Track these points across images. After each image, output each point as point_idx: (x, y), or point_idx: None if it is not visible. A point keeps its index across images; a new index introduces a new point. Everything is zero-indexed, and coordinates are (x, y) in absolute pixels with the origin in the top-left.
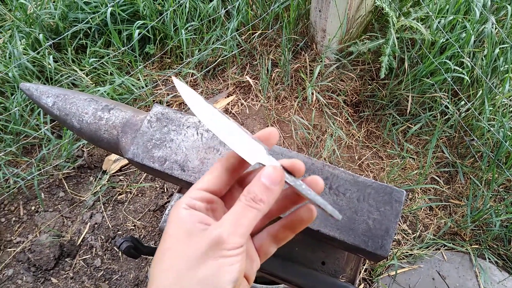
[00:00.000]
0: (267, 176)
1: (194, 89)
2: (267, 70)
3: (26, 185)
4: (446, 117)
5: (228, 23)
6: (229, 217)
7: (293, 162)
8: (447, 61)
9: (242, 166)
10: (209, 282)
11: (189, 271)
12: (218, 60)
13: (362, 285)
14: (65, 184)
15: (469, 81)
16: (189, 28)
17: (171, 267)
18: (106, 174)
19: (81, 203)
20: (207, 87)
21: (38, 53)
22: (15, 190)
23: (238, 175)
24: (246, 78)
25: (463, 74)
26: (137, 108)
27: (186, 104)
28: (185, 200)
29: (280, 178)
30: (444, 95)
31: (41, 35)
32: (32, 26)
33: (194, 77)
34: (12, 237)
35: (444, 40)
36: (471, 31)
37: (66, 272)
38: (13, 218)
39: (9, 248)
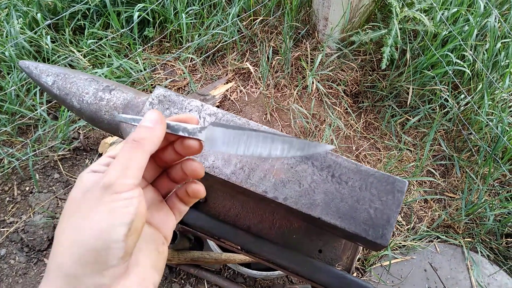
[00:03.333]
0: (147, 119)
1: (193, 74)
2: (268, 57)
3: (21, 165)
4: (445, 110)
5: (229, 8)
6: (117, 162)
7: (186, 115)
8: (449, 53)
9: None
10: (102, 226)
11: (84, 220)
12: (218, 46)
13: (355, 274)
14: (60, 165)
15: (470, 74)
16: (190, 12)
17: (69, 224)
18: None
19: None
20: (206, 72)
21: (35, 32)
22: (9, 170)
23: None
24: (246, 64)
25: (464, 67)
26: (137, 90)
27: (184, 89)
28: (92, 166)
29: (158, 117)
30: (444, 88)
31: (39, 15)
32: (30, 5)
33: (193, 62)
34: (6, 217)
35: (447, 32)
36: (474, 24)
37: None
38: (7, 198)
39: (2, 228)
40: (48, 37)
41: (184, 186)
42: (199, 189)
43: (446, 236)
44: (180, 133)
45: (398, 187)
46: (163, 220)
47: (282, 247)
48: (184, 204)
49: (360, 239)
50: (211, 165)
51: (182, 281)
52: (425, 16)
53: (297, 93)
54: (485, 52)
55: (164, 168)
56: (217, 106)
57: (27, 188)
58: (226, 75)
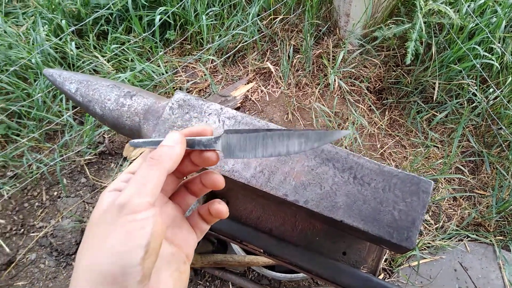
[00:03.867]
0: (168, 138)
1: (214, 76)
2: (288, 56)
3: (49, 170)
4: (473, 105)
5: (249, 8)
6: (133, 180)
7: (200, 127)
8: (476, 46)
9: None
10: (118, 249)
11: (99, 244)
12: (239, 46)
13: (382, 275)
14: (87, 170)
15: (498, 67)
16: (210, 13)
17: (86, 248)
18: (127, 160)
19: (102, 189)
20: (227, 73)
21: (60, 39)
22: (38, 176)
23: None
24: (266, 64)
25: (493, 60)
26: (158, 94)
27: (206, 91)
28: (112, 184)
29: (179, 137)
30: (472, 82)
31: (63, 21)
32: (55, 12)
33: (214, 63)
34: (35, 222)
35: (474, 25)
36: (503, 16)
37: None
38: (36, 203)
39: (32, 232)
40: (73, 43)
41: (207, 205)
42: (222, 210)
43: (476, 235)
44: (196, 147)
45: (423, 188)
46: (185, 238)
47: (304, 250)
48: (205, 223)
49: (384, 242)
50: (231, 168)
51: (207, 283)
52: (451, 8)
53: (319, 92)
54: None
55: (183, 178)
56: (239, 107)
57: (55, 193)
58: (246, 76)
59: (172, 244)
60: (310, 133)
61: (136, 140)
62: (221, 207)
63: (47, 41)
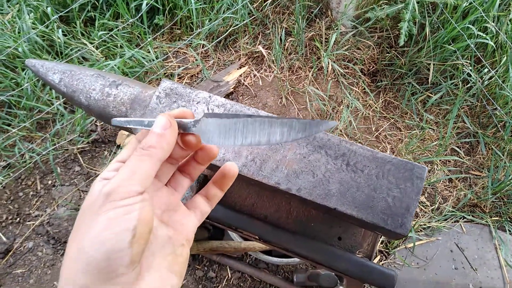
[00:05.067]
0: (157, 124)
1: (205, 61)
2: (280, 39)
3: (42, 160)
4: (468, 85)
5: None
6: (122, 170)
7: (180, 110)
8: (470, 26)
9: None
10: (103, 235)
11: (86, 232)
12: (230, 30)
13: (379, 257)
14: (80, 158)
15: (493, 46)
16: None
17: (74, 236)
18: (120, 148)
19: (97, 177)
20: (218, 58)
21: (46, 26)
22: (31, 165)
23: None
24: (258, 48)
25: (487, 39)
26: (149, 81)
27: (198, 76)
28: (102, 174)
29: (168, 122)
30: (467, 62)
31: (49, 8)
32: (40, 0)
33: (205, 48)
34: (31, 211)
35: (467, 3)
36: None
37: None
38: (31, 193)
39: (28, 221)
40: (60, 30)
41: (209, 182)
42: (231, 166)
43: (472, 216)
44: None
45: (417, 174)
46: (183, 221)
47: (300, 236)
48: (207, 203)
49: (378, 229)
50: (221, 158)
51: (205, 268)
52: None
53: (312, 75)
54: (509, 22)
55: (177, 163)
56: (231, 92)
57: (50, 182)
58: (239, 60)
59: (168, 227)
60: (294, 122)
61: (118, 119)
62: (230, 164)
63: (33, 29)
